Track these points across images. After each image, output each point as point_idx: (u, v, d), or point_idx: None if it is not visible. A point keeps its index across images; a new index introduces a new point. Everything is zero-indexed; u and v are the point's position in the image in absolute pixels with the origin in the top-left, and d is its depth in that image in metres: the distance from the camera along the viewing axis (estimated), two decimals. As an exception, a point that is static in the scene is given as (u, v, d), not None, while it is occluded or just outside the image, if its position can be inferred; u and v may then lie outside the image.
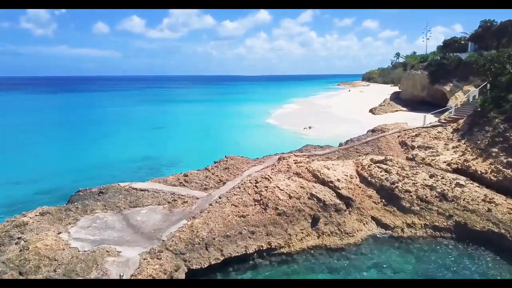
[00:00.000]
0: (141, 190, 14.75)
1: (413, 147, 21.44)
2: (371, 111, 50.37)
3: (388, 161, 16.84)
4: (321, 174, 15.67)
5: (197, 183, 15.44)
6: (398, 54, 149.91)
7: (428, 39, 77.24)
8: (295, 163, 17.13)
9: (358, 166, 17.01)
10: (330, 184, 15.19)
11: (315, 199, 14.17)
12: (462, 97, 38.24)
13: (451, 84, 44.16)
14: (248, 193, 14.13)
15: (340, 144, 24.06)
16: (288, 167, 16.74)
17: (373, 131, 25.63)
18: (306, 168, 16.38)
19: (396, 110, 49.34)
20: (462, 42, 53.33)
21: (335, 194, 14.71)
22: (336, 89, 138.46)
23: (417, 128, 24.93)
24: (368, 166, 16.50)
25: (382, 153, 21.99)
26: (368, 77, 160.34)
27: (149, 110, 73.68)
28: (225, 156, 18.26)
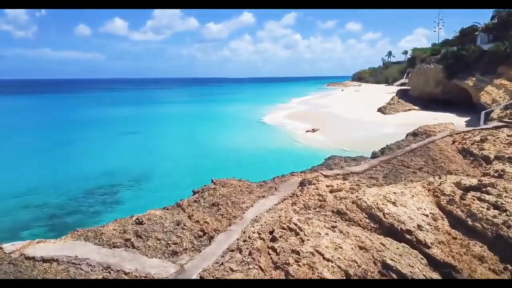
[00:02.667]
0: (43, 260, 7.39)
1: (487, 159, 14.73)
2: (380, 110, 44.04)
3: (489, 187, 9.97)
4: (387, 216, 8.67)
5: (158, 239, 8.15)
6: (390, 53, 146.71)
7: (441, 28, 71.90)
8: (330, 191, 10.13)
9: (436, 196, 10.09)
10: (408, 237, 8.22)
11: (393, 274, 7.13)
12: (497, 92, 32.24)
13: (474, 79, 38.25)
14: (260, 267, 6.96)
15: (374, 154, 17.25)
16: (320, 200, 9.73)
17: (414, 134, 18.96)
18: (353, 202, 9.37)
19: (409, 109, 43.20)
20: (476, 33, 48.38)
21: (423, 257, 7.74)
22: (328, 89, 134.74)
23: (475, 130, 18.37)
24: (461, 198, 9.58)
25: (439, 166, 15.31)
26: (359, 77, 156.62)
27: (126, 112, 65.49)
28: (212, 181, 10.89)
